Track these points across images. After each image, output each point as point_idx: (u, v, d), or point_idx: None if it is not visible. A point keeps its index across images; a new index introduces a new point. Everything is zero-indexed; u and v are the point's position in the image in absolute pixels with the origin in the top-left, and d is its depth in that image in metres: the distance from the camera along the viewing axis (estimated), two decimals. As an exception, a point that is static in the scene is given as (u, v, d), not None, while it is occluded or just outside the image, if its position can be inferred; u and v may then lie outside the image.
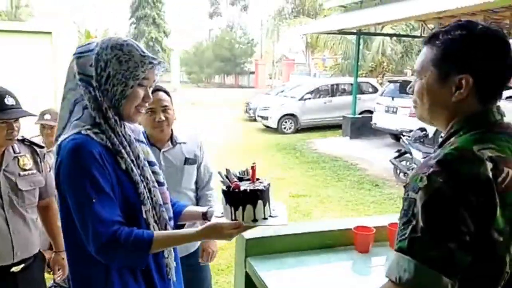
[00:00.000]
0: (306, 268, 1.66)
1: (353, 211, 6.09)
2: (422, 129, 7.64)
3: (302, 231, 1.78)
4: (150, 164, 1.45)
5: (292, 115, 13.06)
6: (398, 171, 7.56)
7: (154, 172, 1.45)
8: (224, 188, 1.41)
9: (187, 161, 2.18)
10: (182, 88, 26.70)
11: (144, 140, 1.51)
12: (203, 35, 43.69)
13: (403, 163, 7.44)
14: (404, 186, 1.02)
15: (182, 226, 1.62)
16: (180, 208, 1.62)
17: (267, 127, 13.39)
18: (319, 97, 13.58)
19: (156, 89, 2.00)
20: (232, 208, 1.36)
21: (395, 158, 7.54)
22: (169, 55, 27.58)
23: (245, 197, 1.35)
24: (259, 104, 14.30)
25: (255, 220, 1.36)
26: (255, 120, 14.40)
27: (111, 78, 1.31)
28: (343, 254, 1.76)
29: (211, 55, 33.81)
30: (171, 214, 1.49)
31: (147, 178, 1.40)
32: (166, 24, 34.21)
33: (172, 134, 2.16)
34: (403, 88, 10.37)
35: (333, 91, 13.76)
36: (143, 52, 1.35)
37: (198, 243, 2.26)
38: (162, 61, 1.40)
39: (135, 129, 1.49)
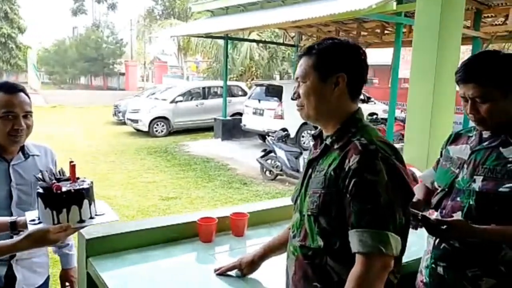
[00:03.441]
0: (149, 264, 1.68)
1: (221, 210, 6.27)
2: (284, 130, 8.23)
3: (145, 227, 1.80)
4: None
5: (164, 118, 12.89)
6: (264, 169, 8.01)
7: None
8: (41, 191, 1.31)
9: None
10: (42, 89, 24.34)
11: None
12: (66, 33, 40.45)
13: (268, 161, 7.92)
14: None
15: None
16: None
17: (138, 130, 12.99)
18: (191, 100, 13.64)
19: (19, 90, 1.71)
20: (54, 212, 1.28)
21: (261, 157, 7.99)
22: (26, 53, 24.83)
23: (69, 198, 1.29)
24: (129, 106, 13.79)
25: (81, 221, 1.32)
26: (124, 123, 13.84)
27: None
28: (188, 245, 1.83)
29: (75, 54, 31.40)
30: None
31: None
32: (21, 20, 30.69)
33: (23, 144, 1.82)
34: (268, 91, 11.04)
35: (205, 94, 13.97)
36: None
37: (46, 275, 1.94)
38: None
39: None
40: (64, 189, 1.30)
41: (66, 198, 1.29)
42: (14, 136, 1.69)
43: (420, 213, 1.49)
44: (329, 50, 1.29)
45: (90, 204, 1.34)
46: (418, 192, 1.74)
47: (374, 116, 9.71)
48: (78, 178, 1.39)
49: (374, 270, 1.12)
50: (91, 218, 1.34)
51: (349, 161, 1.18)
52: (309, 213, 1.25)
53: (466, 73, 1.50)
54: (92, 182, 1.38)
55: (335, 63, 1.27)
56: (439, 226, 1.44)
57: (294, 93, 1.34)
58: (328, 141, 1.29)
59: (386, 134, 8.15)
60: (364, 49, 1.31)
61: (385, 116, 8.68)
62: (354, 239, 1.14)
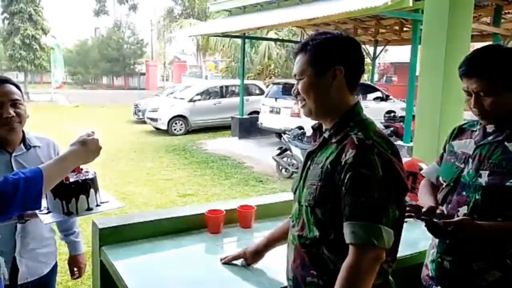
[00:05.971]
0: (159, 253, 1.75)
1: (237, 207, 6.34)
2: (300, 128, 8.23)
3: (155, 218, 1.87)
4: None
5: (182, 116, 13.05)
6: (280, 167, 8.04)
7: None
8: None
9: None
10: (65, 89, 24.97)
11: None
12: (88, 33, 41.33)
13: (284, 159, 7.94)
14: None
15: None
16: None
17: (157, 129, 13.19)
18: (209, 99, 13.77)
19: (3, 80, 1.72)
20: (64, 202, 1.36)
21: (277, 155, 8.01)
22: (49, 54, 25.44)
23: (77, 188, 1.38)
24: (148, 105, 14.02)
25: (89, 209, 1.40)
26: (144, 122, 14.08)
27: None
28: (197, 236, 1.90)
29: (97, 55, 32.13)
30: None
31: None
32: (45, 21, 31.45)
33: (24, 136, 1.83)
34: (285, 89, 11.05)
35: (223, 92, 14.08)
36: None
37: (52, 264, 1.96)
38: None
39: None
40: (71, 179, 1.38)
41: (74, 188, 1.37)
42: (7, 125, 1.70)
43: (429, 219, 1.47)
44: (323, 44, 1.31)
45: (95, 193, 1.43)
46: (426, 194, 1.71)
47: (392, 114, 9.60)
48: (81, 169, 1.46)
49: (366, 261, 1.15)
50: (97, 206, 1.43)
51: (345, 155, 1.21)
52: (306, 204, 1.30)
53: (469, 67, 1.50)
54: (95, 172, 1.47)
55: (330, 57, 1.30)
56: (445, 228, 1.44)
57: (294, 90, 1.38)
58: (326, 135, 1.33)
59: (404, 132, 8.07)
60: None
61: (403, 114, 8.59)
62: (348, 231, 1.18)
